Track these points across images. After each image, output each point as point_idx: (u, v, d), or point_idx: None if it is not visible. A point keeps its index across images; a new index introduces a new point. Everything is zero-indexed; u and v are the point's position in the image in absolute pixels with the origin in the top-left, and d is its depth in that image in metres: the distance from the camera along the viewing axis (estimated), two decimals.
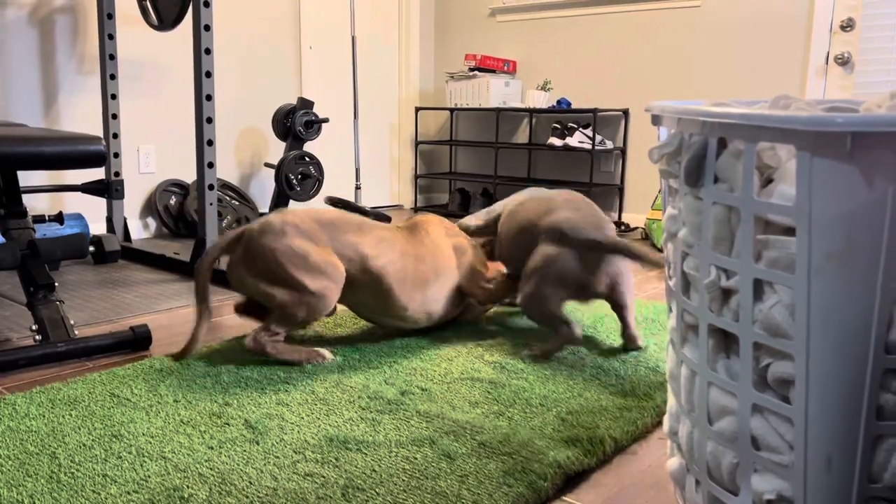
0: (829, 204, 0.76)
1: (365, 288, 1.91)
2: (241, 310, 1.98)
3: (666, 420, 1.17)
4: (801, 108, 0.97)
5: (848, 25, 3.44)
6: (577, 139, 4.11)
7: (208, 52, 2.62)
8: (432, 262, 1.99)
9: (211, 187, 2.70)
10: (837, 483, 0.85)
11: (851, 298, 0.79)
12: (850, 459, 0.84)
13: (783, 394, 0.89)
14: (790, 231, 0.85)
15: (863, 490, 0.84)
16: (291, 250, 1.79)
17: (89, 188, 2.98)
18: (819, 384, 0.83)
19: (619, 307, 1.95)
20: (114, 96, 3.17)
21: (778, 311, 0.85)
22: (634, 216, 4.22)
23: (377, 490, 1.22)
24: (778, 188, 0.84)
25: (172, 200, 3.68)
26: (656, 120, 1.05)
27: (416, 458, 1.33)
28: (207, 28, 2.60)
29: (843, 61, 3.46)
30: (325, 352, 1.85)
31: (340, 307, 2.33)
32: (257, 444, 1.38)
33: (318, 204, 4.46)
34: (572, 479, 1.31)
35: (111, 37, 3.13)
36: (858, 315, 0.79)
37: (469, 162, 5.03)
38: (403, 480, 1.25)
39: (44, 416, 1.48)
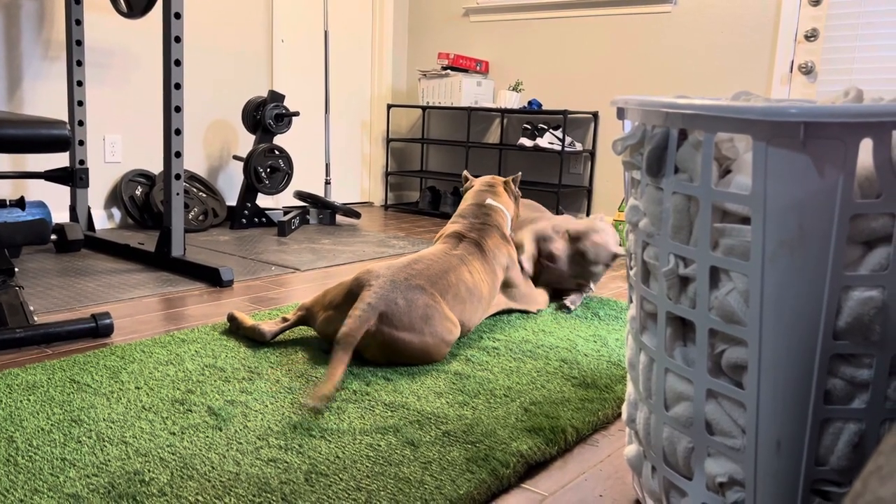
0: (783, 192, 0.79)
1: None
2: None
3: (624, 408, 1.20)
4: (759, 102, 1.00)
5: (812, 35, 3.53)
6: (547, 140, 4.15)
7: (178, 40, 2.60)
8: (487, 288, 2.09)
9: (178, 177, 2.67)
10: (786, 465, 0.88)
11: (802, 285, 0.81)
12: (799, 443, 0.87)
13: (736, 379, 0.92)
14: (746, 221, 0.87)
15: (810, 472, 0.87)
16: (427, 315, 1.79)
17: (53, 175, 2.92)
18: (770, 369, 0.86)
19: None
20: (80, 83, 3.12)
21: (733, 298, 0.88)
22: None
23: (340, 476, 1.22)
24: (735, 178, 0.87)
25: (138, 191, 3.62)
26: (621, 113, 1.07)
27: (379, 446, 1.34)
28: (178, 16, 2.58)
29: (807, 70, 3.55)
30: None
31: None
32: (220, 430, 1.37)
33: (286, 198, 4.43)
34: (534, 468, 1.33)
35: (78, 22, 3.08)
36: (809, 301, 0.82)
37: (440, 160, 5.04)
38: (367, 466, 1.26)
39: (0, 401, 1.45)
